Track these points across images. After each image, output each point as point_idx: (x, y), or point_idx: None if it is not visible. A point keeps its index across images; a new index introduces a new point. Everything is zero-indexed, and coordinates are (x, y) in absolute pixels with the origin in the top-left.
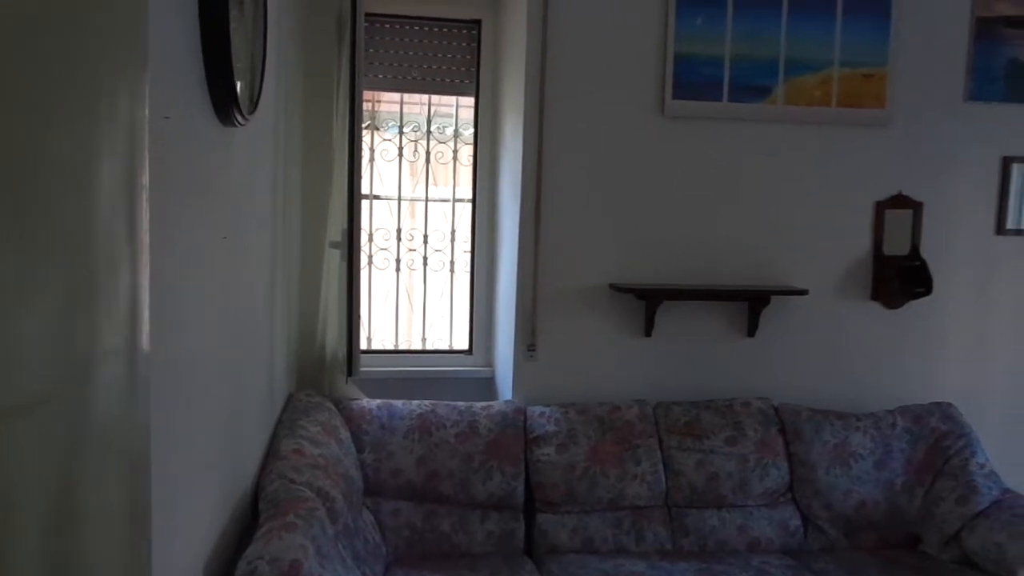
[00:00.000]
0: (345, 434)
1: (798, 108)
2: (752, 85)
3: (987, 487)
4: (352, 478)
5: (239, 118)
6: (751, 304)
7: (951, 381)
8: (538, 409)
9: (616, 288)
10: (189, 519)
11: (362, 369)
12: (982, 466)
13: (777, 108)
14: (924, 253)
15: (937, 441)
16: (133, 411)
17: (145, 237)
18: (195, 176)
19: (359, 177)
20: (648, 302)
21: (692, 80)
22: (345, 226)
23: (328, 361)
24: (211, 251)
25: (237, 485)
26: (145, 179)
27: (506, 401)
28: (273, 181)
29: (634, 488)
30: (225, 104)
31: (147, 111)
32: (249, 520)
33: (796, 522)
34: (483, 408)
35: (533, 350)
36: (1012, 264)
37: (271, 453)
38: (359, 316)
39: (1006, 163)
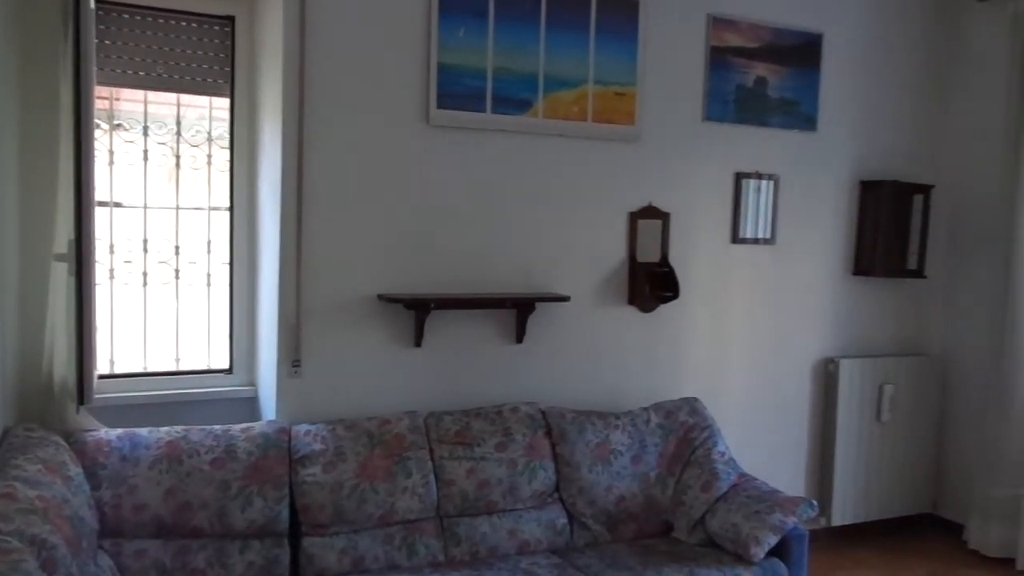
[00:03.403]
0: (76, 470)
1: (557, 122)
2: (514, 98)
3: (726, 473)
4: (82, 519)
5: None
6: (518, 311)
7: (697, 377)
8: (304, 427)
9: (384, 298)
10: None
11: (103, 396)
12: (722, 454)
13: (538, 121)
14: (672, 260)
15: (685, 434)
16: None
17: None
18: None
19: (89, 182)
20: (417, 312)
21: (456, 90)
22: (73, 236)
23: (57, 389)
24: None
25: None
26: None
27: (269, 421)
28: None
29: (405, 501)
30: None
31: None
32: None
33: (563, 520)
34: (243, 430)
35: (298, 366)
36: (744, 270)
37: None
38: (93, 337)
39: (738, 178)
